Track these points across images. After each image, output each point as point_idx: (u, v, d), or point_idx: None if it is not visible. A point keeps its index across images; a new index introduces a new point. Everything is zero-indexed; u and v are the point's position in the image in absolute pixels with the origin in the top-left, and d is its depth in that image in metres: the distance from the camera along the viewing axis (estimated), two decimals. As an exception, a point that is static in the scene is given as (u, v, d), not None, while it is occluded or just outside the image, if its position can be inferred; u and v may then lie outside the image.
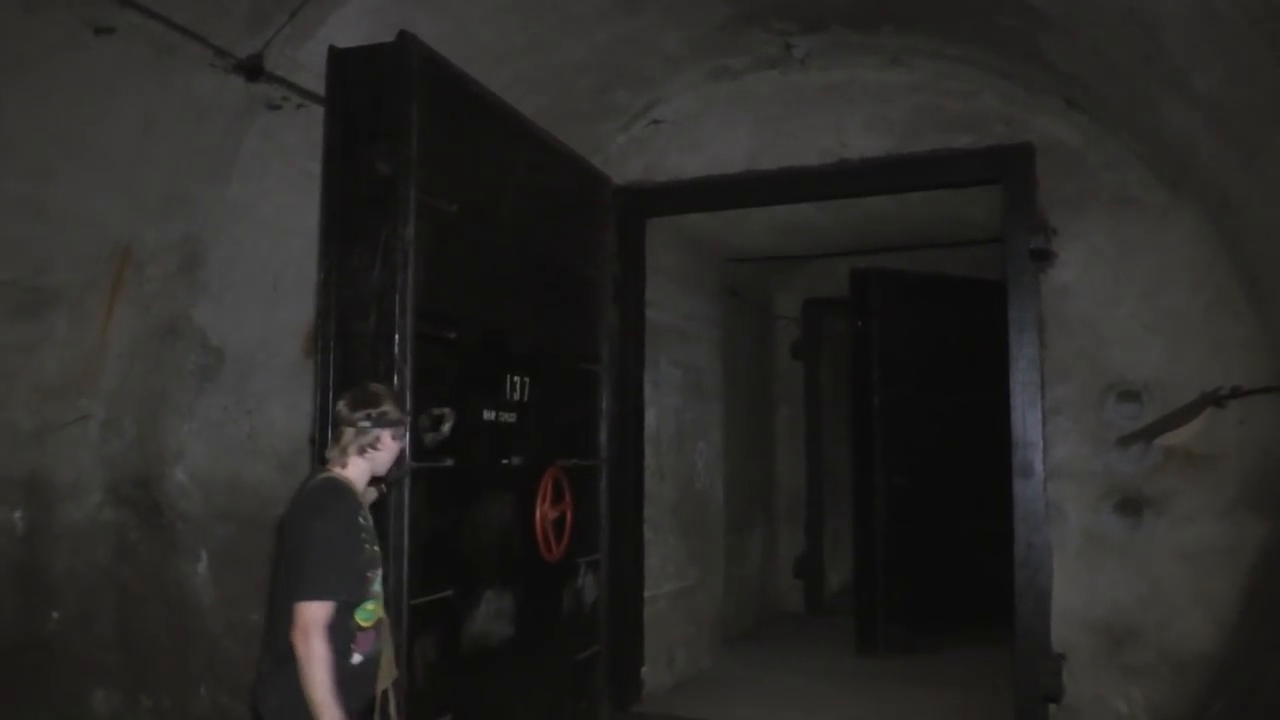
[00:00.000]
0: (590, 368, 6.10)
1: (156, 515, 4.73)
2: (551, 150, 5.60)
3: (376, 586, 3.33)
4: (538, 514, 5.20)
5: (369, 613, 3.27)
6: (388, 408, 3.42)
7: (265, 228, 4.99)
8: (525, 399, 5.14)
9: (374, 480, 3.52)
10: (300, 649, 3.05)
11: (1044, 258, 5.51)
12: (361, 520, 3.29)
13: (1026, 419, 5.51)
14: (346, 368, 4.18)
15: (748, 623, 9.12)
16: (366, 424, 3.34)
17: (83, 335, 4.55)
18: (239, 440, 5.05)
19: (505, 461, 4.98)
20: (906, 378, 8.34)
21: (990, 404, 6.12)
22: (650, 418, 6.81)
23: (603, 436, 6.17)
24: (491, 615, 4.79)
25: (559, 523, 5.39)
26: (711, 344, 8.16)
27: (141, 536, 4.67)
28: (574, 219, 5.99)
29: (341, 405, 3.42)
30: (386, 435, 3.40)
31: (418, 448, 4.18)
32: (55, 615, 4.52)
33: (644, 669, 6.56)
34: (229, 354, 4.96)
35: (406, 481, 4.08)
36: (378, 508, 3.81)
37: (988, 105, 5.71)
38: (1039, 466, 5.45)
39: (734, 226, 7.43)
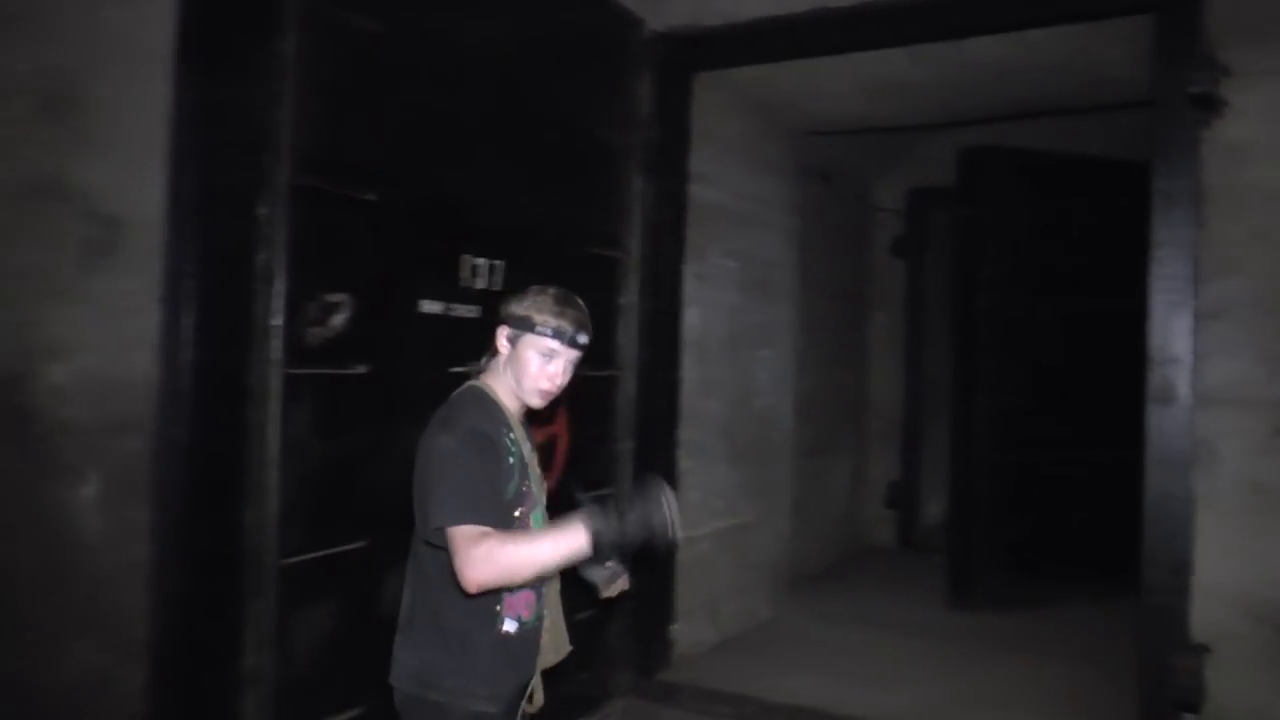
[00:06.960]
0: (606, 253, 4.83)
1: (25, 425, 3.69)
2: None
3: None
4: (512, 438, 4.03)
5: None
6: (540, 316, 2.50)
7: (156, 60, 3.83)
8: (498, 289, 3.93)
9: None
10: (468, 578, 2.20)
11: (1209, 106, 3.98)
12: (509, 442, 2.49)
13: (1170, 326, 4.01)
14: (207, 234, 3.05)
15: (828, 560, 7.86)
16: (513, 325, 2.53)
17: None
18: (146, 333, 3.93)
19: (458, 370, 3.79)
20: (1022, 278, 6.83)
21: (1127, 310, 4.74)
22: (693, 318, 5.50)
23: (620, 339, 4.93)
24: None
25: (547, 449, 4.22)
26: (785, 233, 6.75)
27: (5, 453, 3.66)
28: (588, 66, 4.69)
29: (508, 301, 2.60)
30: (530, 349, 2.51)
31: (298, 346, 3.03)
32: None
33: (674, 626, 5.36)
34: (128, 225, 3.84)
35: (276, 392, 2.94)
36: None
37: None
38: (1184, 390, 3.97)
39: (809, 85, 5.95)
